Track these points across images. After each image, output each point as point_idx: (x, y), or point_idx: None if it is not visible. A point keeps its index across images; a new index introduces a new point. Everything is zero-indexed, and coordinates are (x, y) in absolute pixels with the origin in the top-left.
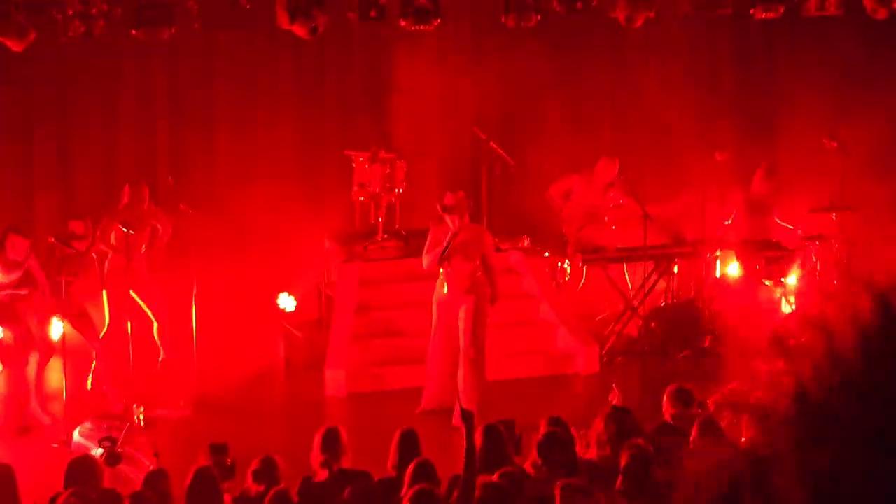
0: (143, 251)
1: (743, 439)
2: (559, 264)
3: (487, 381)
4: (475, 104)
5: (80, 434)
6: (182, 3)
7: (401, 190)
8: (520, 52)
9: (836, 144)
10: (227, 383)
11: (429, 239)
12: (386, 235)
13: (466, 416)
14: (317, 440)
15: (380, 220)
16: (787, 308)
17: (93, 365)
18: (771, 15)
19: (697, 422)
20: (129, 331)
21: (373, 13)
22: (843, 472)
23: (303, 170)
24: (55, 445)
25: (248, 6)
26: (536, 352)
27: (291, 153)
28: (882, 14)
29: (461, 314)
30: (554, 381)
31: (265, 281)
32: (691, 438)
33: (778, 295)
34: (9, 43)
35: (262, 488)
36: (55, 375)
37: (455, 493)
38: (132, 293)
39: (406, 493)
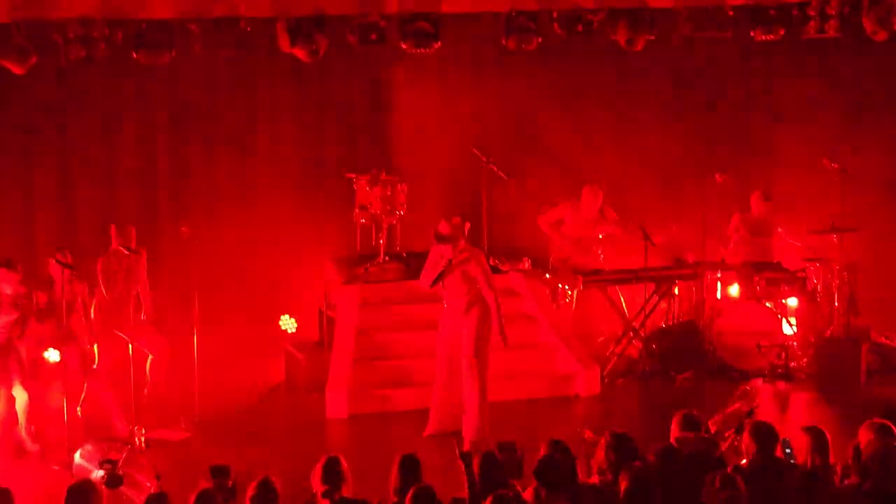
0: (130, 293)
1: (744, 461)
2: (559, 286)
3: (489, 402)
4: (476, 126)
5: (81, 456)
6: (183, 26)
7: (402, 212)
8: (520, 75)
9: (836, 166)
10: (228, 405)
11: (428, 258)
12: (387, 257)
13: (465, 458)
14: (317, 469)
15: (381, 242)
16: (787, 329)
17: (82, 395)
18: (771, 37)
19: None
20: (130, 352)
21: (373, 36)
22: None
23: (304, 192)
24: (56, 468)
25: (249, 29)
26: (537, 373)
27: (292, 176)
28: (882, 36)
29: (463, 336)
30: (555, 402)
31: (266, 303)
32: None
33: (779, 316)
34: (10, 66)
35: None
36: (55, 397)
37: None
38: (120, 334)
39: None
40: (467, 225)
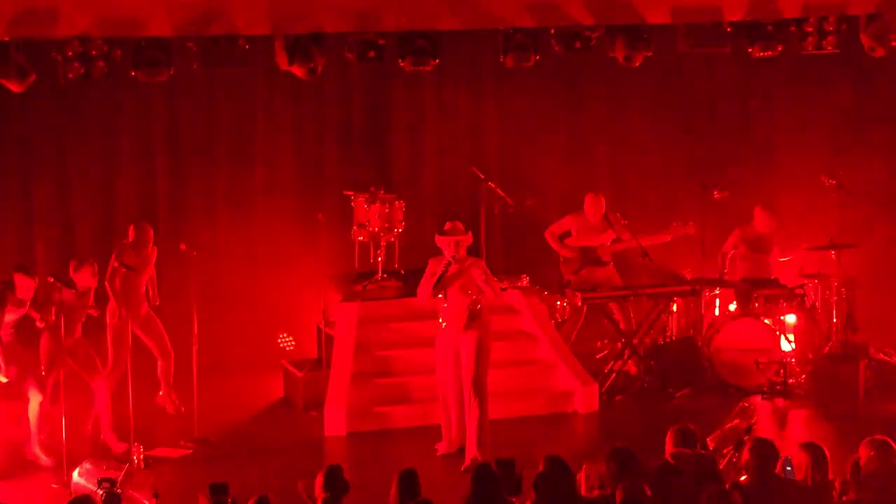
0: (145, 291)
1: (743, 477)
2: (557, 303)
3: (489, 419)
4: (474, 144)
5: (80, 475)
6: (181, 44)
7: (400, 230)
8: (518, 92)
9: (834, 182)
10: (227, 423)
11: (426, 271)
12: (385, 275)
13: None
14: (318, 479)
15: (379, 259)
16: (785, 346)
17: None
18: (769, 53)
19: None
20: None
21: (371, 53)
22: None
23: (302, 210)
24: (55, 486)
25: (247, 47)
26: (535, 390)
27: (291, 193)
28: (879, 52)
29: (462, 353)
30: (553, 419)
31: (265, 320)
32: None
33: (777, 333)
34: (8, 84)
35: None
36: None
37: None
38: (136, 332)
39: None
40: (469, 235)
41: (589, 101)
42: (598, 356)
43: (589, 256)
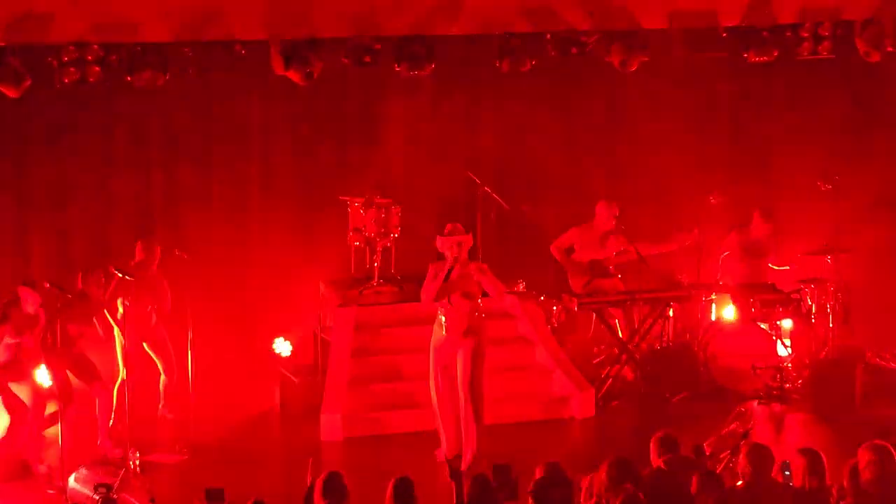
0: (150, 306)
1: (740, 482)
2: (554, 308)
3: (484, 425)
4: (470, 149)
5: (76, 480)
6: (177, 50)
7: (396, 235)
8: (514, 97)
9: (830, 187)
10: (223, 428)
11: (428, 274)
12: (381, 280)
13: (455, 475)
14: (318, 484)
15: (375, 264)
16: (782, 351)
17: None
18: (765, 58)
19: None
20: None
21: (367, 58)
22: None
23: (298, 215)
24: (51, 492)
25: (243, 52)
26: (532, 396)
27: (287, 198)
28: (875, 57)
29: (459, 358)
30: (549, 425)
31: (261, 326)
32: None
33: (773, 338)
34: (4, 89)
35: None
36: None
37: None
38: (144, 345)
39: None
40: (470, 236)
41: (585, 106)
42: (594, 361)
43: (597, 269)
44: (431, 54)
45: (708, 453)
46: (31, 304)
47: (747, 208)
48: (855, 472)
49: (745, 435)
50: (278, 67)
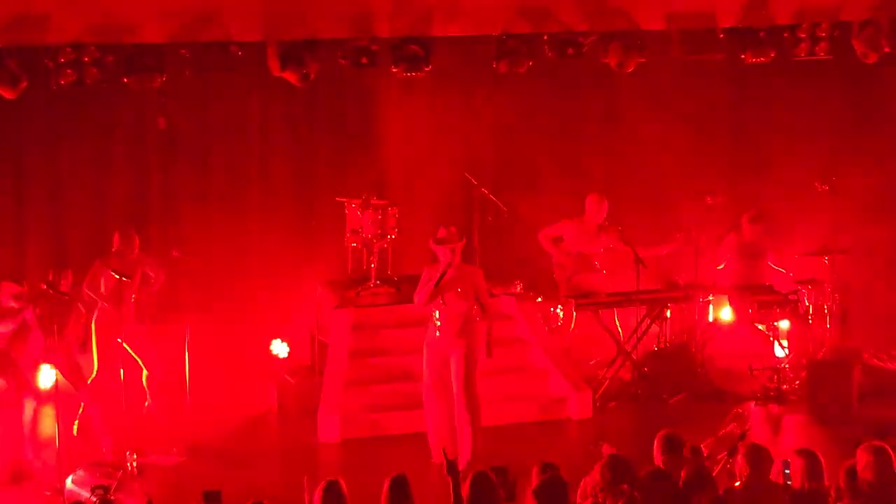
0: (132, 299)
1: (738, 483)
2: (551, 309)
3: (481, 427)
4: (467, 150)
5: (73, 482)
6: (174, 50)
7: (393, 236)
8: (512, 98)
9: (827, 188)
10: (220, 429)
11: (422, 278)
12: (378, 281)
13: (452, 469)
14: (318, 492)
15: (372, 266)
16: (779, 352)
17: (79, 412)
18: (762, 59)
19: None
20: (122, 377)
21: (364, 60)
22: None
23: (295, 216)
24: (48, 493)
25: (240, 53)
26: (529, 397)
27: (284, 200)
28: (872, 59)
29: (454, 360)
30: (546, 426)
31: (258, 327)
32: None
33: (770, 339)
34: (1, 91)
35: None
36: (48, 422)
37: None
38: (121, 341)
39: None
40: (463, 241)
41: (582, 107)
42: (591, 362)
43: (583, 263)
44: (428, 55)
45: (705, 454)
46: (12, 298)
47: (745, 209)
48: (852, 473)
49: (743, 436)
50: (275, 68)
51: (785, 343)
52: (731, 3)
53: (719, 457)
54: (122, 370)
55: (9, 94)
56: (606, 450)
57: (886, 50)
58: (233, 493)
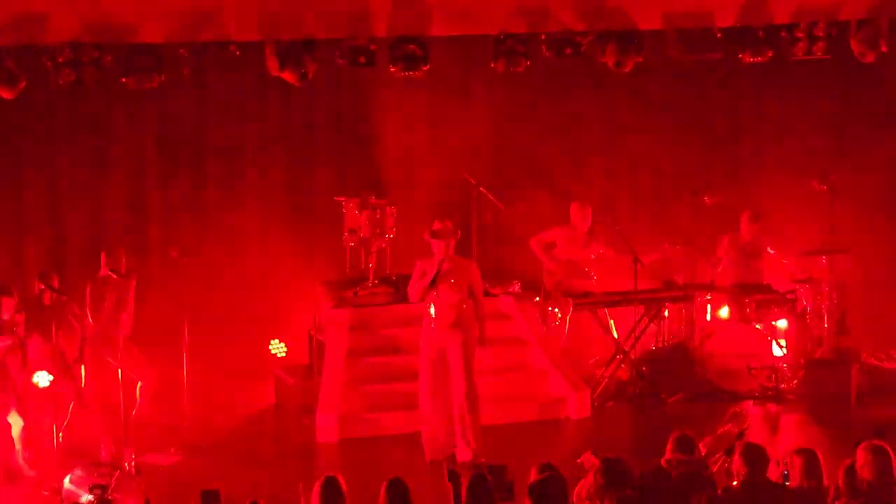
0: (119, 318)
1: (735, 482)
2: (549, 309)
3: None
4: (465, 150)
5: (71, 481)
6: (172, 50)
7: (391, 235)
8: (509, 98)
9: (825, 187)
10: (218, 430)
11: (415, 270)
12: (376, 281)
13: (453, 478)
14: (316, 488)
15: (370, 265)
16: (777, 351)
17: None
18: (759, 59)
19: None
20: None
21: (362, 59)
22: None
23: (293, 216)
24: (46, 493)
25: (238, 53)
26: (527, 397)
27: (281, 199)
28: (870, 58)
29: (450, 352)
30: (545, 425)
31: (256, 327)
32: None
33: (768, 338)
34: None
35: None
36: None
37: None
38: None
39: None
40: (458, 234)
41: (580, 106)
42: (589, 362)
43: (573, 269)
44: (426, 55)
45: (703, 454)
46: (5, 310)
47: (742, 208)
48: (851, 472)
49: (741, 435)
50: (273, 68)
51: (783, 342)
52: (729, 2)
53: (717, 456)
54: (119, 371)
55: (7, 94)
56: (588, 462)
57: (884, 50)
58: (231, 493)
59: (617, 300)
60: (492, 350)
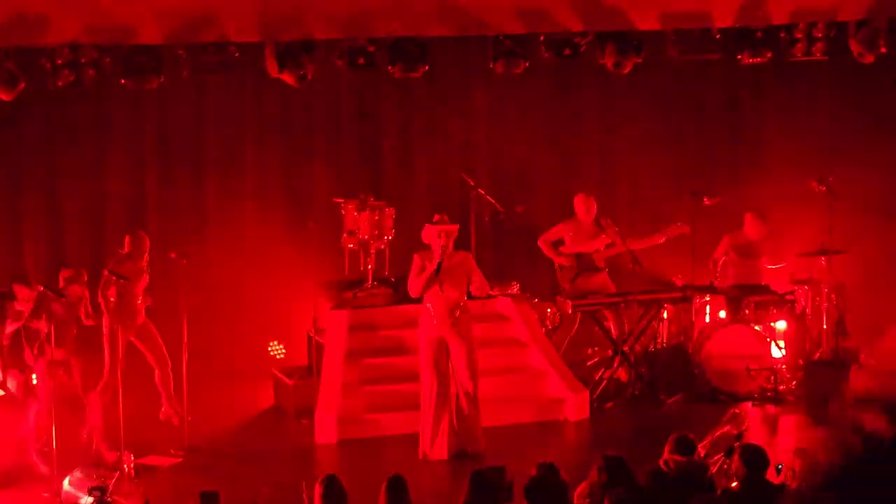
0: (140, 301)
1: (734, 483)
2: (548, 310)
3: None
4: (463, 151)
5: (70, 483)
6: (171, 51)
7: (389, 237)
8: (508, 99)
9: (824, 188)
10: (217, 431)
11: (413, 265)
12: (375, 282)
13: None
14: (317, 488)
15: (369, 267)
16: (776, 352)
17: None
18: (758, 60)
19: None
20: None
21: (361, 60)
22: None
23: (292, 217)
24: (45, 495)
25: (238, 54)
26: (526, 398)
27: (281, 200)
28: (869, 59)
29: (454, 352)
30: (544, 427)
31: (255, 328)
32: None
33: (767, 339)
34: None
35: None
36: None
37: None
38: (133, 341)
39: None
40: (456, 227)
41: (579, 107)
42: (588, 363)
43: (584, 263)
44: (425, 56)
45: (702, 455)
46: (23, 301)
47: (742, 209)
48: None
49: (740, 436)
50: (272, 70)
51: (782, 343)
52: (728, 3)
53: (716, 457)
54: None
55: (6, 96)
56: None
57: (883, 50)
58: (230, 494)
59: (616, 301)
60: (491, 351)
